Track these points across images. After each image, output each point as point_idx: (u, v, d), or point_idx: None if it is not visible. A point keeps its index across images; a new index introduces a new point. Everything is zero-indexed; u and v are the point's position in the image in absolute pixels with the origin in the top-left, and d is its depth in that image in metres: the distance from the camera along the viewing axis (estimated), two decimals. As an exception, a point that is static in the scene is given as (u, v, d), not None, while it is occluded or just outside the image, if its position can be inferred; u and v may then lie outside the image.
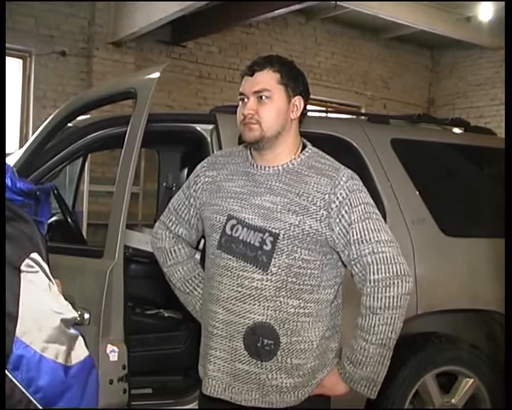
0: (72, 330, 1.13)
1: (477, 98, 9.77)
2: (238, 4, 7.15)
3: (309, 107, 2.08)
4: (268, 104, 1.90)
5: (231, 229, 1.90)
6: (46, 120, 3.02)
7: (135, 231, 4.08)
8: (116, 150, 3.52)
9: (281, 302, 1.86)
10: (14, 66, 7.34)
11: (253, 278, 1.86)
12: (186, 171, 4.23)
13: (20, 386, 1.04)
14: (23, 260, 1.09)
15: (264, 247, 1.85)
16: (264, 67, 1.92)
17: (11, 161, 2.80)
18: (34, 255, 1.12)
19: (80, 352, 1.13)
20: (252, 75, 1.92)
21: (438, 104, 10.52)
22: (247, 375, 1.88)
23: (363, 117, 4.02)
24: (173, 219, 2.14)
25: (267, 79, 1.91)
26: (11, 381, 1.03)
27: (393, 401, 3.01)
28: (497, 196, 3.00)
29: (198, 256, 2.74)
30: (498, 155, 3.37)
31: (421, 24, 8.46)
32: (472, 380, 3.16)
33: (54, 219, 3.96)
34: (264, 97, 1.89)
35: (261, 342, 1.85)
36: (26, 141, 4.15)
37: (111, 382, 2.24)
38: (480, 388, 3.18)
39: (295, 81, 1.95)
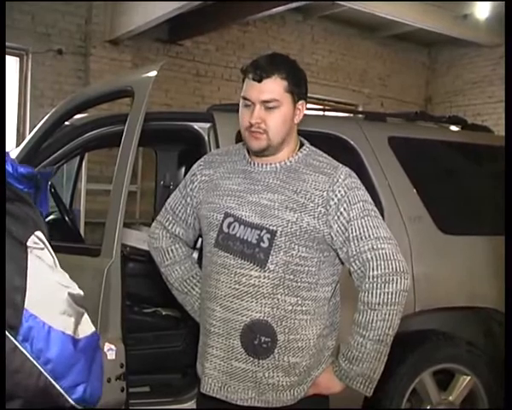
0: (79, 308, 1.15)
1: (474, 96, 9.77)
2: (235, 2, 7.13)
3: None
4: (276, 113, 1.87)
5: (228, 227, 1.90)
6: (43, 118, 3.02)
7: (132, 230, 4.07)
8: (113, 149, 3.51)
9: (278, 300, 1.86)
10: (11, 64, 7.32)
11: (251, 276, 1.86)
12: (183, 169, 4.23)
13: (30, 358, 1.04)
14: (29, 236, 1.11)
15: (262, 244, 1.85)
16: (271, 73, 1.86)
17: (8, 159, 2.79)
18: (39, 233, 1.13)
19: (87, 327, 1.14)
20: (259, 81, 1.87)
21: (435, 102, 10.51)
22: (243, 373, 1.88)
23: (360, 115, 4.03)
24: (170, 218, 2.14)
25: (275, 87, 1.86)
26: (21, 353, 1.04)
27: (391, 399, 3.01)
28: (494, 193, 3.01)
29: (196, 255, 2.74)
30: (495, 152, 3.39)
31: (419, 22, 8.46)
32: (469, 378, 3.17)
33: (51, 217, 3.95)
34: (271, 106, 1.87)
35: (258, 339, 1.85)
36: (23, 140, 4.14)
37: (109, 380, 2.24)
38: (477, 385, 3.19)
39: (300, 86, 1.93)
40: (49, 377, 1.06)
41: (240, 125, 1.94)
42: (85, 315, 1.16)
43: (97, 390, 1.16)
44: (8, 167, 1.22)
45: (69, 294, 1.12)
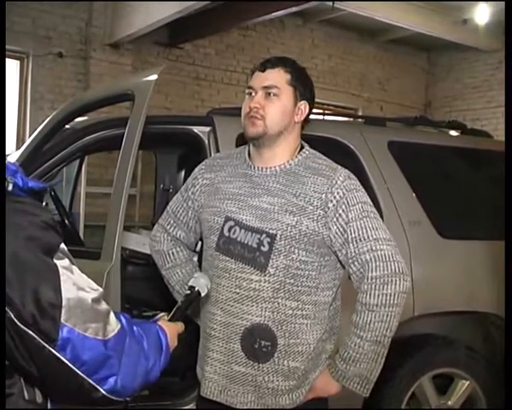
0: (103, 305, 1.21)
1: (473, 100, 9.79)
2: (235, 6, 7.15)
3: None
4: (275, 101, 1.91)
5: (229, 230, 1.91)
6: (43, 121, 3.02)
7: (132, 233, 4.07)
8: (113, 152, 3.52)
9: (279, 304, 1.86)
10: (11, 67, 7.33)
11: (251, 280, 1.86)
12: (183, 173, 4.23)
13: (67, 363, 1.14)
14: (58, 250, 1.18)
15: (262, 248, 1.85)
16: (276, 65, 1.94)
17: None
18: (62, 244, 1.20)
19: (114, 325, 1.22)
20: (263, 71, 1.94)
21: (434, 106, 10.53)
22: (243, 377, 1.88)
23: (360, 119, 4.03)
24: (171, 221, 2.14)
25: (278, 76, 1.93)
26: (58, 359, 1.13)
27: (390, 403, 3.01)
28: (493, 198, 3.02)
29: (195, 258, 2.74)
30: (495, 157, 3.40)
31: (418, 26, 8.48)
32: (468, 382, 3.17)
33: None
34: (272, 94, 1.91)
35: (258, 343, 1.85)
36: (23, 143, 4.15)
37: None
38: (476, 390, 3.19)
39: (304, 86, 1.98)
40: (84, 375, 1.15)
41: (241, 115, 1.96)
42: (111, 312, 1.23)
43: (129, 383, 1.23)
44: (19, 181, 1.24)
45: (92, 300, 1.18)
